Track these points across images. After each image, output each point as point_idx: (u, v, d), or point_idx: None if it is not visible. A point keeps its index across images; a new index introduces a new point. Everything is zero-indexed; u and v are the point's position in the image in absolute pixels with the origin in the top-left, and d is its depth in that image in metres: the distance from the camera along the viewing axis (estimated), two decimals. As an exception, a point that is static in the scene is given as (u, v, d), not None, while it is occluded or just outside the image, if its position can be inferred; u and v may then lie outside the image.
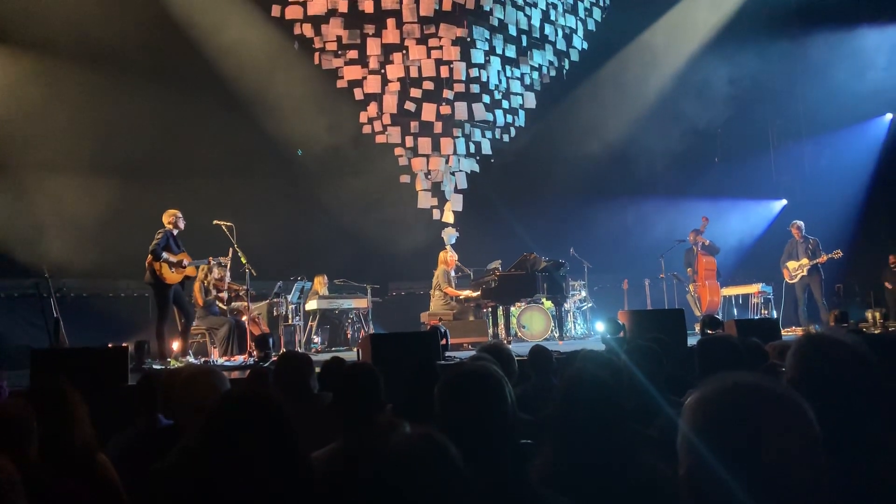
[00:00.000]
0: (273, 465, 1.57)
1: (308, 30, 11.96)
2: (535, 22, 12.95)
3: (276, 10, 11.72)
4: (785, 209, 14.34)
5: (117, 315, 10.37)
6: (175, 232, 8.16)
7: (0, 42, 9.92)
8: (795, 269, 10.61)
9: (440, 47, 12.26)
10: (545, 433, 2.04)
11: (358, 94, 12.20)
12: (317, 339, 10.55)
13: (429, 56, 12.24)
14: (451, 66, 12.30)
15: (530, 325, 10.61)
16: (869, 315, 10.20)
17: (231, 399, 1.67)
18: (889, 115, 13.55)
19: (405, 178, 12.55)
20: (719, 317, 9.90)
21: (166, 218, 8.18)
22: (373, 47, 12.15)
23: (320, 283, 10.79)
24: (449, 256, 10.48)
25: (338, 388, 2.94)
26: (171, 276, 8.01)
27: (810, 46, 12.93)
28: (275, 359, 6.92)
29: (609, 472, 1.80)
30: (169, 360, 7.77)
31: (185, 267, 8.13)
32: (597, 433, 1.87)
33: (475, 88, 12.55)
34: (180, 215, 8.23)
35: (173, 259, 7.99)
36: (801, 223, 10.78)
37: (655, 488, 1.77)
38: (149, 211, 10.00)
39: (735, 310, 11.94)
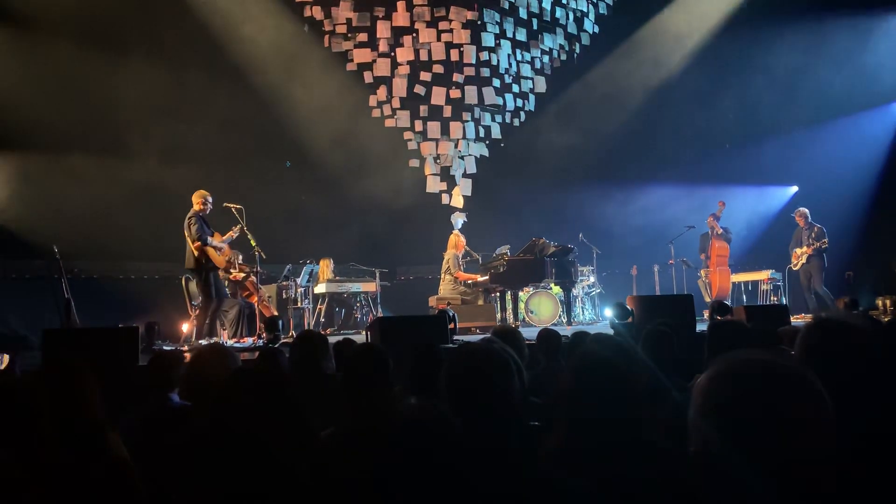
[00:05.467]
0: (281, 439, 1.59)
1: (318, 12, 11.91)
2: (546, 5, 12.85)
3: (286, -8, 11.69)
4: (796, 196, 14.25)
5: (128, 296, 10.42)
6: (202, 214, 8.17)
7: (4, 22, 9.88)
8: (797, 256, 10.70)
9: (450, 30, 12.21)
10: (555, 414, 2.04)
11: (367, 77, 12.17)
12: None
13: (439, 39, 12.20)
14: (462, 49, 12.25)
15: (538, 310, 10.60)
16: (879, 302, 10.17)
17: (242, 375, 1.69)
18: (902, 102, 13.43)
19: (414, 163, 12.54)
20: (728, 303, 9.88)
21: (195, 198, 8.15)
22: (382, 30, 12.10)
23: (326, 267, 10.81)
24: (458, 240, 10.48)
25: (347, 369, 2.96)
26: (219, 260, 8.04)
27: (824, 32, 12.78)
28: (284, 341, 6.98)
29: (618, 453, 1.80)
30: (201, 341, 7.75)
31: (224, 251, 8.13)
32: (607, 414, 1.87)
33: (485, 72, 12.51)
34: (209, 197, 8.21)
35: (217, 244, 8.01)
36: (805, 210, 10.83)
37: (665, 469, 1.78)
38: (159, 193, 10.09)
39: (744, 296, 11.90)
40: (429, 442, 1.39)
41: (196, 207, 8.08)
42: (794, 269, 10.85)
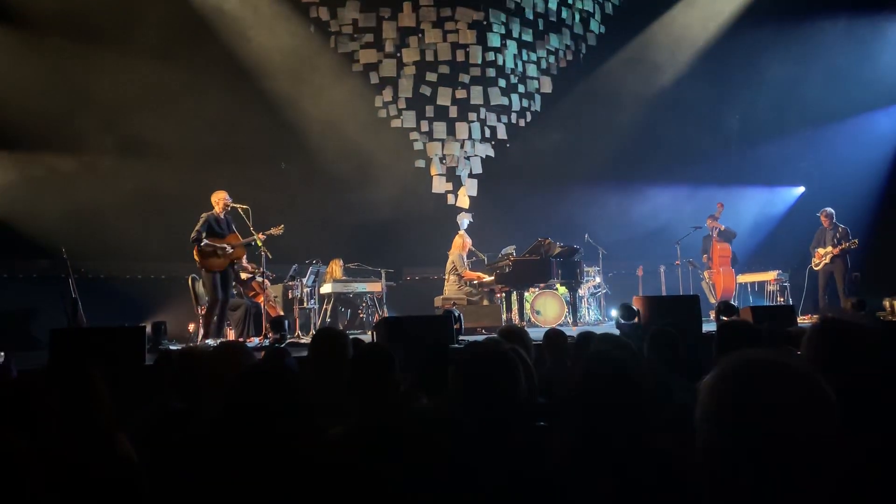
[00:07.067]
0: (288, 437, 1.60)
1: (324, 13, 11.92)
2: (552, 5, 12.86)
3: (292, -7, 11.70)
4: (803, 196, 14.23)
5: (135, 296, 10.44)
6: (222, 214, 8.14)
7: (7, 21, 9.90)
8: (821, 256, 10.61)
9: (456, 31, 12.23)
10: (563, 412, 2.05)
11: (373, 77, 12.19)
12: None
13: (445, 40, 12.21)
14: (467, 49, 12.26)
15: (544, 310, 10.59)
16: (886, 303, 10.12)
17: (248, 374, 1.70)
18: (911, 101, 13.38)
19: (420, 163, 12.55)
20: (734, 304, 9.86)
21: (213, 198, 8.16)
22: (388, 31, 12.12)
23: (337, 267, 10.81)
24: (464, 240, 10.49)
25: (353, 369, 2.97)
26: (213, 263, 7.94)
27: (830, 31, 12.75)
28: (291, 340, 7.00)
29: (625, 453, 1.81)
30: (208, 341, 7.75)
31: (228, 253, 8.04)
32: (613, 414, 1.87)
33: (491, 72, 12.51)
34: (228, 197, 8.19)
35: (216, 244, 7.93)
36: (830, 210, 10.74)
37: (671, 468, 1.78)
38: (166, 193, 10.12)
39: (751, 297, 11.88)
40: (440, 440, 1.39)
41: (215, 209, 8.10)
42: (816, 268, 10.77)
